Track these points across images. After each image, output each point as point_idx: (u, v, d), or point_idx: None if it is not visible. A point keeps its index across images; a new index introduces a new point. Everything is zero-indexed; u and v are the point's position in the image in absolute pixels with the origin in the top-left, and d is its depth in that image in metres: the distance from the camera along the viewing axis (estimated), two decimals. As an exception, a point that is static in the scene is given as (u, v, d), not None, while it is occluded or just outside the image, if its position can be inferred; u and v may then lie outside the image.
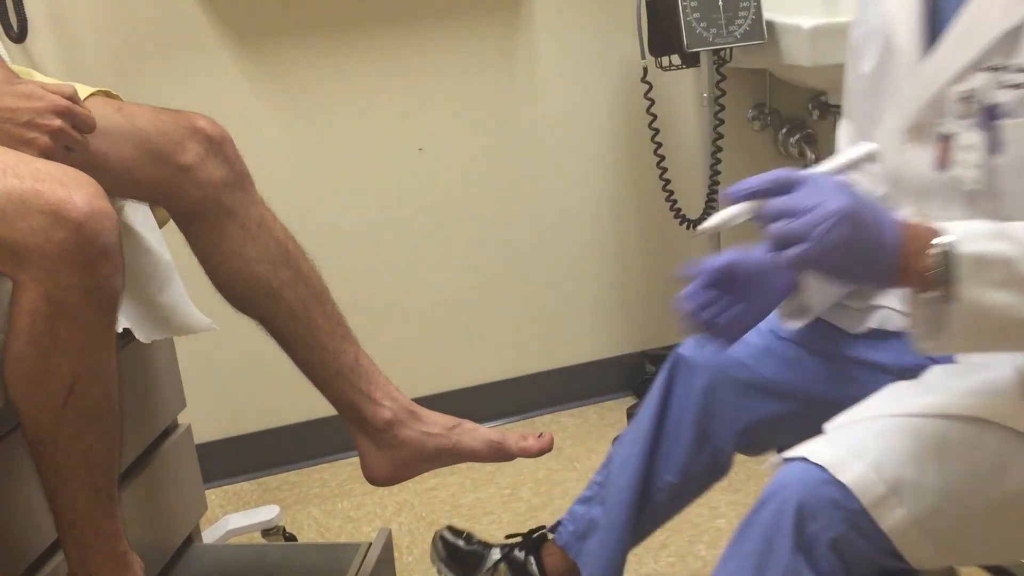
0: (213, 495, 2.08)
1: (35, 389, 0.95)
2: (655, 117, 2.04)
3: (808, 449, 0.97)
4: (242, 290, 1.21)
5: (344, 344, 1.25)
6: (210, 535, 1.73)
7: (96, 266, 0.92)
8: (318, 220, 2.07)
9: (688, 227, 2.11)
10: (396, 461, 1.26)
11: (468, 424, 1.27)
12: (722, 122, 2.03)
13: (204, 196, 1.17)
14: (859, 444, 0.97)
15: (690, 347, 1.31)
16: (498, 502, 1.97)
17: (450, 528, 1.61)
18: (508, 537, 1.57)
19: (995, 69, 1.03)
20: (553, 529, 1.50)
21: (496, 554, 1.54)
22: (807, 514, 0.93)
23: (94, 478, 0.98)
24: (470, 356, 2.26)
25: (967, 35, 1.05)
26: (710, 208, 2.08)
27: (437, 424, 1.26)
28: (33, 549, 1.05)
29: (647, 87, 2.02)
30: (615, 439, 1.45)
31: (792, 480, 0.96)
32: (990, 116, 1.04)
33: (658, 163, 2.07)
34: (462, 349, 2.24)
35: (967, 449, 0.97)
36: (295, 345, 1.24)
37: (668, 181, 2.07)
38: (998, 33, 1.02)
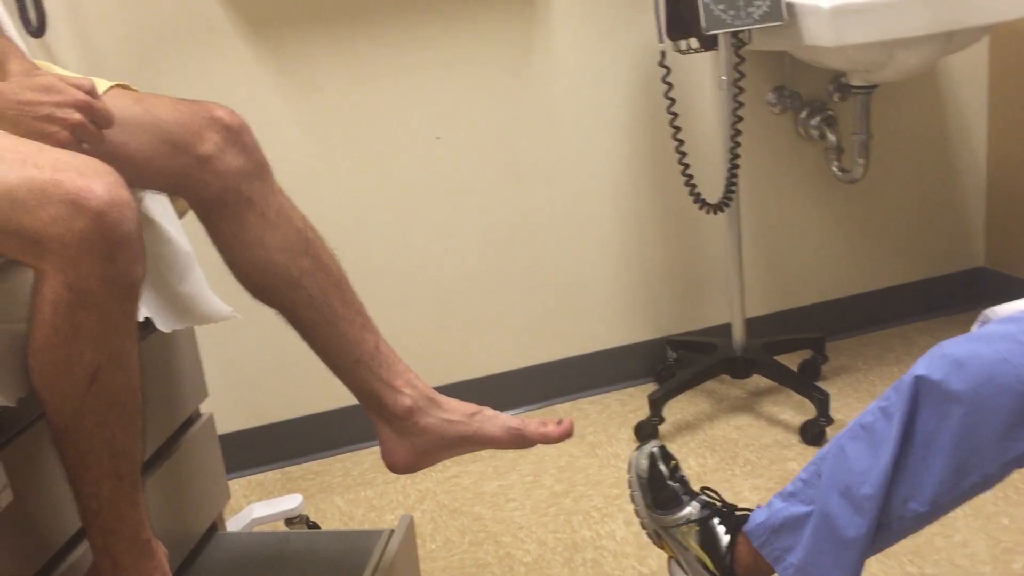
0: (237, 485, 2.09)
1: (58, 378, 0.95)
2: (673, 101, 2.03)
3: None
4: (262, 279, 1.21)
5: (364, 332, 1.25)
6: (234, 524, 1.74)
7: (117, 255, 0.93)
8: (335, 208, 2.08)
9: (708, 211, 2.10)
10: (417, 448, 1.26)
11: (488, 411, 1.26)
12: (741, 105, 2.01)
13: (223, 186, 1.17)
14: None
15: (937, 369, 1.18)
16: (520, 489, 1.97)
17: (663, 449, 1.49)
18: (704, 489, 1.47)
19: None
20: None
21: (694, 511, 1.43)
22: None
23: (117, 465, 0.99)
24: (490, 344, 2.26)
25: None
26: (730, 192, 2.07)
27: (457, 411, 1.25)
28: (58, 537, 1.06)
29: (665, 71, 2.01)
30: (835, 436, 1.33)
31: None
32: None
33: (677, 147, 2.05)
34: (482, 337, 2.24)
35: None
36: (315, 334, 1.24)
37: (687, 166, 2.06)
38: None
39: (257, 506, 1.78)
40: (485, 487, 2.00)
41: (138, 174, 1.13)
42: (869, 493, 1.23)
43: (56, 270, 0.92)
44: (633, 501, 1.49)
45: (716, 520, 1.41)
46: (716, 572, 1.40)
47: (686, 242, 2.32)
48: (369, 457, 2.14)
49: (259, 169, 1.19)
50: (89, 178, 0.92)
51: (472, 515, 1.91)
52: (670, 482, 1.46)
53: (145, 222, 1.26)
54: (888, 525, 1.24)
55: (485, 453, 2.10)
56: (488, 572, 1.72)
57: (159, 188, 1.22)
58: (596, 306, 2.30)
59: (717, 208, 2.09)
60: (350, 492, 2.04)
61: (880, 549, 1.27)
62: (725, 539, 1.39)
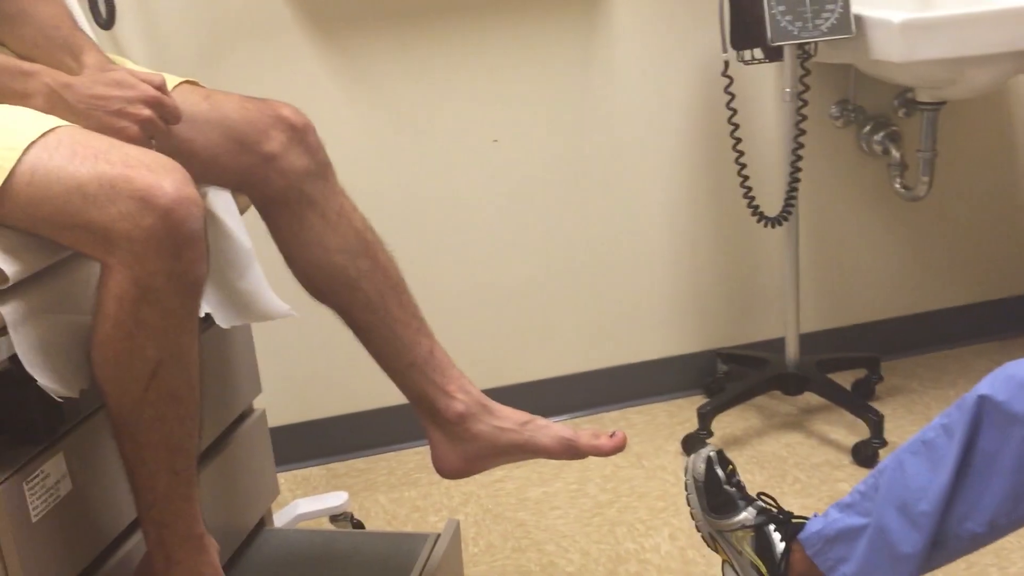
0: (283, 479, 2.10)
1: (120, 371, 0.96)
2: (735, 112, 2.00)
3: None
4: (320, 279, 1.22)
5: (419, 336, 1.25)
6: (279, 519, 1.75)
7: (182, 252, 0.94)
8: (393, 209, 2.08)
9: (766, 224, 2.07)
10: (468, 455, 1.26)
11: (541, 420, 1.26)
12: (804, 118, 1.98)
13: (287, 185, 1.18)
14: None
15: (1002, 390, 1.18)
16: (565, 497, 1.96)
17: (720, 453, 1.50)
18: (761, 495, 1.47)
19: None
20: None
21: (750, 516, 1.43)
22: None
23: (174, 460, 0.99)
24: (540, 349, 2.25)
25: None
26: (789, 206, 2.04)
27: (510, 419, 1.25)
28: (113, 528, 1.07)
29: (728, 81, 1.98)
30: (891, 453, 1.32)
31: None
32: None
33: (737, 159, 2.03)
34: (533, 342, 2.23)
35: None
36: (370, 335, 1.24)
37: (747, 178, 2.03)
38: None
39: (303, 502, 1.79)
40: (529, 493, 1.99)
41: (204, 171, 1.14)
42: (926, 509, 1.22)
43: (122, 265, 0.93)
44: (689, 504, 1.49)
45: (772, 527, 1.40)
46: None
47: (741, 254, 2.29)
48: (414, 457, 2.14)
49: (322, 169, 1.20)
50: (159, 175, 0.93)
51: (515, 521, 1.90)
52: (727, 487, 1.46)
53: (208, 218, 1.27)
54: (943, 543, 1.23)
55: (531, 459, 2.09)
56: (530, 579, 1.72)
57: (223, 184, 1.23)
58: (648, 315, 2.28)
59: (776, 221, 2.06)
60: (394, 491, 2.04)
61: (934, 567, 1.26)
62: (780, 546, 1.38)
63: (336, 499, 1.79)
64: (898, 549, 1.24)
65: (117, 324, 0.95)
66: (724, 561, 1.47)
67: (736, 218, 2.21)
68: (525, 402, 1.32)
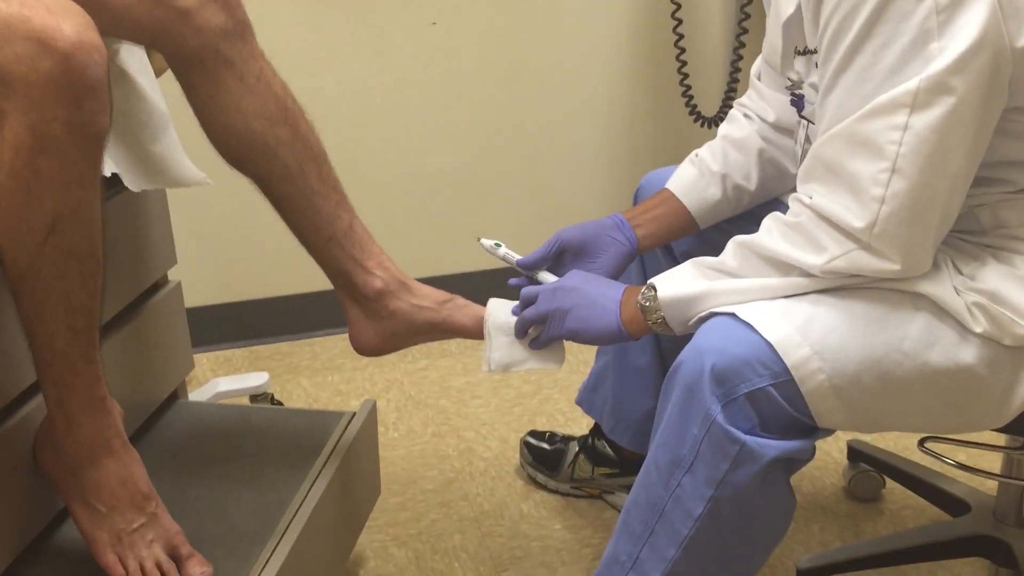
0: (204, 359, 2.08)
1: (16, 225, 0.92)
2: (679, 7, 1.97)
3: (738, 306, 1.00)
4: (237, 145, 1.17)
5: (339, 210, 1.22)
6: (198, 396, 1.73)
7: (82, 100, 0.89)
8: (323, 88, 2.02)
9: (702, 125, 2.06)
10: (385, 332, 1.24)
11: (460, 300, 1.24)
12: (747, 16, 1.96)
13: (202, 43, 1.12)
14: (788, 307, 0.98)
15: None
16: (487, 387, 1.97)
17: (532, 433, 1.68)
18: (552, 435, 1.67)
19: (805, 53, 1.07)
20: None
21: (575, 446, 1.61)
22: (729, 366, 0.96)
23: (74, 320, 0.96)
24: (470, 239, 2.23)
25: (775, 17, 1.12)
26: (727, 105, 2.03)
27: (428, 298, 1.23)
28: (10, 389, 1.04)
29: (673, -27, 1.94)
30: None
31: (719, 332, 0.99)
32: (800, 107, 1.12)
33: (678, 55, 2.00)
34: (463, 231, 2.21)
35: (896, 322, 0.98)
36: (288, 206, 1.20)
37: (686, 75, 2.01)
38: (784, 19, 1.07)
39: (222, 380, 1.78)
40: (452, 382, 2.00)
41: (115, 23, 1.08)
42: None
43: (19, 111, 0.88)
44: (541, 485, 1.64)
45: (590, 438, 1.60)
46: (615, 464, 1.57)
47: (677, 152, 2.28)
48: (339, 343, 2.13)
49: (241, 29, 1.14)
50: (58, 17, 0.88)
51: (437, 408, 1.91)
52: (551, 448, 1.64)
53: (120, 76, 1.22)
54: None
55: (455, 348, 2.10)
56: (448, 464, 1.73)
57: (136, 40, 1.16)
58: (582, 210, 2.27)
59: (712, 122, 2.05)
60: (317, 376, 2.04)
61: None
62: (601, 443, 1.58)
63: (257, 379, 1.78)
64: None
65: (13, 174, 0.90)
66: (599, 495, 1.61)
67: (674, 115, 2.20)
68: (457, 293, 1.30)
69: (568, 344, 1.20)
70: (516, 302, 1.20)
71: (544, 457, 1.64)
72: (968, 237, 1.04)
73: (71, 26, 0.88)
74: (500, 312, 1.20)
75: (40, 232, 0.92)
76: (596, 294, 1.13)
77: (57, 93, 0.88)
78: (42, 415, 1.05)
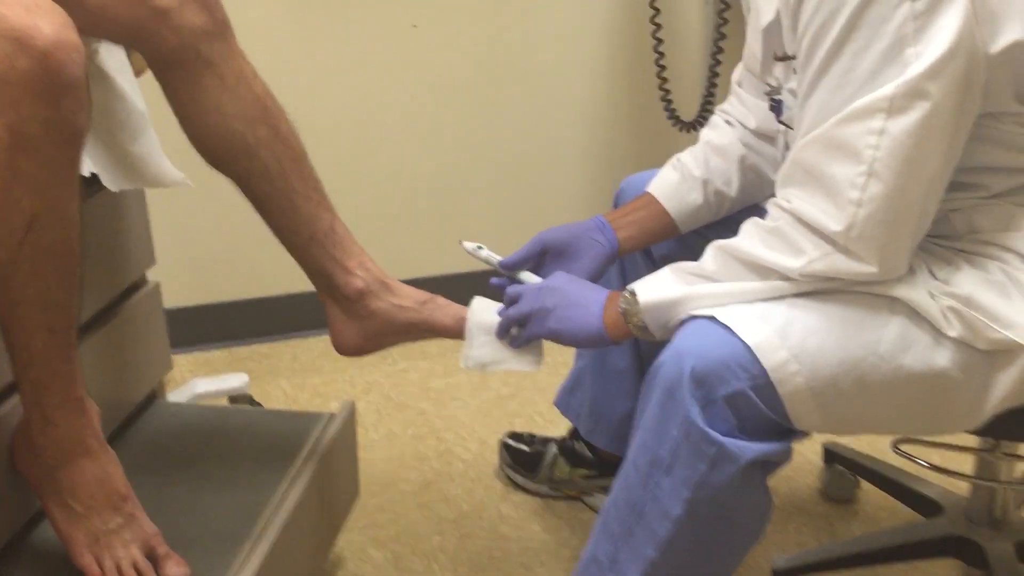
0: (183, 360, 2.07)
1: (-6, 223, 0.92)
2: (658, 11, 1.98)
3: (717, 309, 1.00)
4: (217, 146, 1.17)
5: (319, 210, 1.22)
6: (177, 397, 1.72)
7: (61, 99, 0.89)
8: (303, 89, 2.02)
9: (681, 129, 2.07)
10: (365, 332, 1.24)
11: (440, 300, 1.25)
12: (726, 21, 1.97)
13: (181, 43, 1.12)
14: (767, 310, 0.99)
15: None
16: (467, 389, 1.98)
17: (511, 435, 1.68)
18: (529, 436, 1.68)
19: (784, 59, 1.09)
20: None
21: (553, 448, 1.61)
22: (708, 369, 0.97)
23: (51, 319, 0.96)
24: (452, 242, 2.23)
25: (754, 23, 1.14)
26: (705, 112, 2.04)
27: (409, 297, 1.24)
28: (-12, 388, 1.04)
29: (653, -22, 1.96)
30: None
31: (698, 335, 0.99)
32: (778, 112, 1.13)
33: (657, 60, 2.01)
34: (444, 234, 2.21)
35: (872, 325, 0.99)
36: (269, 207, 1.20)
37: (665, 79, 2.02)
38: (764, 25, 1.09)
39: (201, 381, 1.77)
40: (432, 383, 2.00)
41: (93, 22, 1.07)
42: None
43: (-4, 110, 0.88)
44: (521, 487, 1.65)
45: (569, 439, 1.60)
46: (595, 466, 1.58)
47: (656, 156, 2.29)
48: (319, 345, 2.13)
49: (221, 28, 1.14)
50: (36, 15, 0.88)
51: (417, 409, 1.91)
52: (531, 450, 1.64)
53: (99, 76, 1.21)
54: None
55: (435, 350, 2.10)
56: (427, 466, 1.74)
57: (114, 39, 1.16)
58: (560, 213, 2.28)
59: (691, 126, 2.07)
60: (297, 377, 2.03)
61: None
62: (580, 444, 1.58)
63: (236, 380, 1.78)
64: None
65: (-10, 173, 0.90)
66: (577, 496, 1.61)
67: (653, 119, 2.21)
68: (439, 295, 1.30)
69: (547, 346, 1.21)
70: (501, 304, 1.20)
71: (523, 459, 1.64)
72: (943, 242, 1.06)
73: (49, 25, 0.88)
74: (483, 311, 1.20)
75: (18, 231, 0.92)
76: (580, 296, 1.13)
77: (35, 92, 0.87)
78: (19, 415, 1.04)
